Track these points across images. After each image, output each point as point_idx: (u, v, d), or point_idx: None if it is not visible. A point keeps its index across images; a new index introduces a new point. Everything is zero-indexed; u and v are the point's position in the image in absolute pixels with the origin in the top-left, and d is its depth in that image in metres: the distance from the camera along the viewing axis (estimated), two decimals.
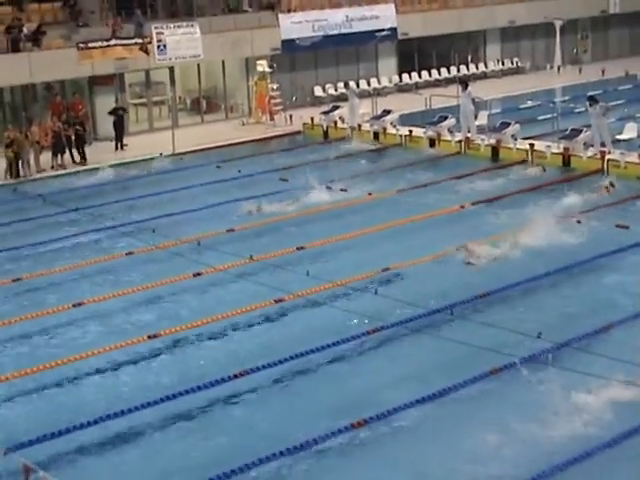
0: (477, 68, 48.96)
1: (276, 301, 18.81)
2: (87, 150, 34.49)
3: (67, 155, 33.49)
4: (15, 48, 35.61)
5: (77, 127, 33.78)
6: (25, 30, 35.96)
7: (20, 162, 32.14)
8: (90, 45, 36.03)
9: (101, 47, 36.32)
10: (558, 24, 49.33)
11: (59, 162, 33.42)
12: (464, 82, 34.20)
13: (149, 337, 17.30)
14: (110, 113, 36.31)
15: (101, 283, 21.03)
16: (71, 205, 27.71)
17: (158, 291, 20.17)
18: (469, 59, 48.16)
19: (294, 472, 12.93)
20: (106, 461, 13.56)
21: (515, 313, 17.96)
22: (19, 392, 15.73)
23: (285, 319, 18.38)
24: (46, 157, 33.14)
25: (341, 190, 27.49)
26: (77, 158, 33.75)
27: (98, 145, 36.03)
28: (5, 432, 14.18)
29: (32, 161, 32.61)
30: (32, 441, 13.57)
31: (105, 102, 36.66)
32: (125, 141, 36.46)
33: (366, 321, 17.55)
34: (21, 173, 32.21)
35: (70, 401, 15.39)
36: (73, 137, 33.70)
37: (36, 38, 36.08)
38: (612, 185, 25.98)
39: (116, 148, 35.62)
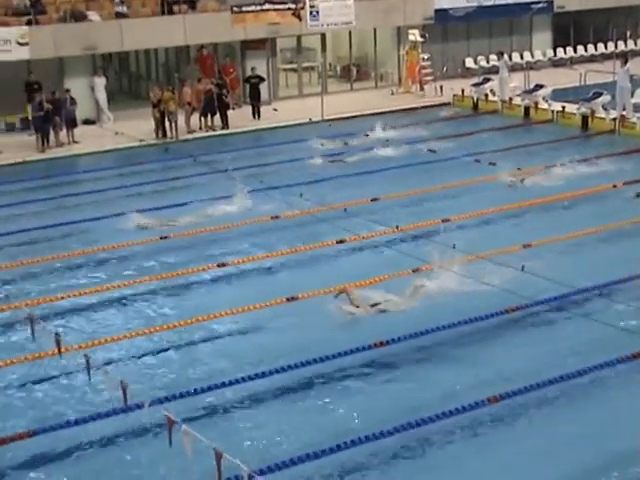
0: (636, 44, 47.30)
1: (414, 271, 18.62)
2: (236, 113, 35.02)
3: (217, 117, 33.94)
4: (170, 10, 36.19)
5: (221, 91, 34.14)
6: None
7: (167, 122, 32.74)
8: (244, 9, 36.30)
9: (254, 11, 36.55)
10: None
11: (209, 124, 33.86)
12: (624, 57, 33.15)
13: (287, 299, 17.43)
14: (245, 81, 36.67)
15: (246, 245, 21.26)
16: (220, 166, 28.12)
17: (300, 256, 20.32)
18: (628, 35, 46.72)
19: (431, 443, 12.88)
20: (247, 420, 13.68)
21: None
22: (165, 346, 16.06)
23: (423, 291, 17.86)
24: (196, 118, 33.74)
25: (490, 164, 27.12)
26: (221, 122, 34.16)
27: (247, 109, 36.27)
28: (150, 385, 14.49)
29: (182, 122, 33.18)
30: (176, 395, 13.88)
31: (256, 66, 36.82)
32: (275, 106, 36.86)
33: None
34: (168, 134, 32.80)
35: (214, 358, 15.58)
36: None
37: (191, 0, 36.59)
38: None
39: (253, 116, 35.73)
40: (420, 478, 12.26)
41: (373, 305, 17.01)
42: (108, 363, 15.05)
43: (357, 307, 16.92)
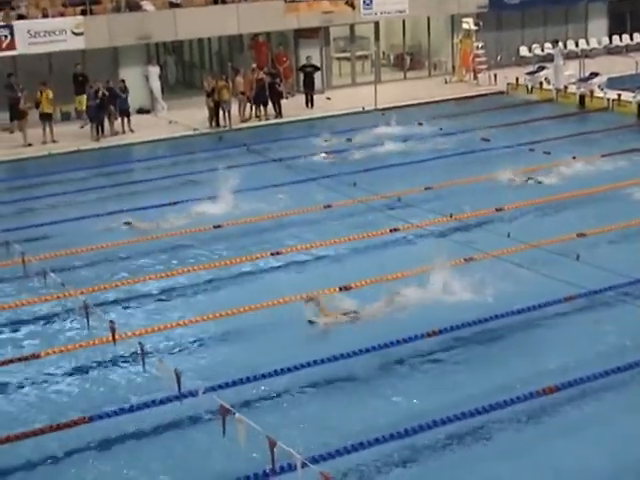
0: None
1: (466, 260, 18.60)
2: (290, 102, 35.08)
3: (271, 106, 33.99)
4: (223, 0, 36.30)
5: (274, 80, 34.22)
6: None
7: (221, 111, 32.85)
8: None
9: (307, 0, 36.47)
10: None
11: (260, 113, 33.87)
12: None
13: (340, 289, 17.39)
14: (299, 70, 36.71)
15: (299, 234, 21.26)
16: (273, 155, 28.13)
17: (353, 245, 20.30)
18: None
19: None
20: (301, 408, 13.73)
21: None
22: (219, 334, 16.09)
23: (479, 280, 17.67)
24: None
25: (544, 153, 26.88)
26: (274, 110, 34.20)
27: (301, 98, 36.26)
28: (205, 372, 14.51)
29: (235, 111, 33.25)
30: (228, 383, 13.91)
31: (311, 55, 36.82)
32: (328, 95, 36.91)
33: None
34: (221, 122, 32.91)
35: (267, 346, 15.57)
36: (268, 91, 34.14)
37: None
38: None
39: (306, 105, 35.72)
40: (476, 467, 12.20)
41: (346, 314, 16.45)
42: (162, 351, 15.12)
43: (326, 316, 16.34)
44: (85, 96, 32.38)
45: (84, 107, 32.51)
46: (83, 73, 33.07)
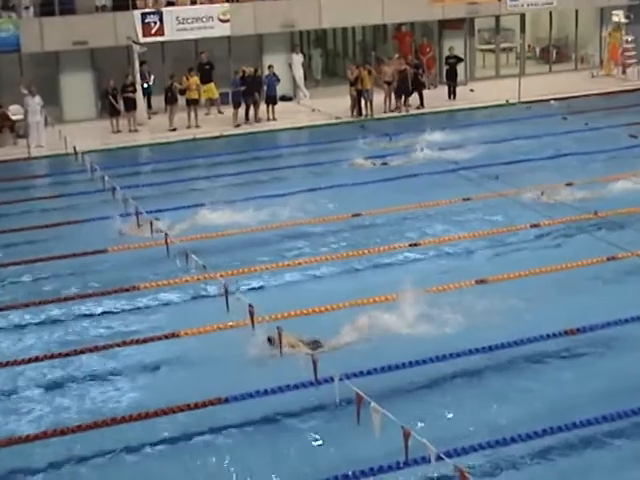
0: None
1: (608, 258, 18.18)
2: (432, 93, 34.92)
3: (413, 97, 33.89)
4: None
5: (417, 71, 34.09)
6: None
7: (363, 100, 32.84)
8: None
9: None
10: None
11: (403, 103, 33.77)
12: None
13: (476, 282, 17.17)
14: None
15: (437, 226, 21.16)
16: (414, 146, 27.87)
17: (492, 239, 20.11)
18: None
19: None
20: (436, 400, 13.63)
21: None
22: (355, 321, 15.81)
23: (617, 279, 17.48)
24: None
25: None
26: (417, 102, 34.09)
27: (443, 89, 36.04)
28: (340, 360, 14.44)
29: (378, 100, 33.21)
30: (363, 372, 13.86)
31: (453, 46, 36.45)
32: (471, 87, 36.61)
33: None
34: (363, 112, 32.92)
35: (406, 336, 15.37)
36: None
37: None
38: None
39: (449, 97, 35.44)
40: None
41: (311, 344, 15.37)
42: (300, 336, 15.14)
43: (292, 347, 15.23)
44: (212, 84, 32.98)
45: (214, 95, 33.24)
46: (209, 62, 33.48)
